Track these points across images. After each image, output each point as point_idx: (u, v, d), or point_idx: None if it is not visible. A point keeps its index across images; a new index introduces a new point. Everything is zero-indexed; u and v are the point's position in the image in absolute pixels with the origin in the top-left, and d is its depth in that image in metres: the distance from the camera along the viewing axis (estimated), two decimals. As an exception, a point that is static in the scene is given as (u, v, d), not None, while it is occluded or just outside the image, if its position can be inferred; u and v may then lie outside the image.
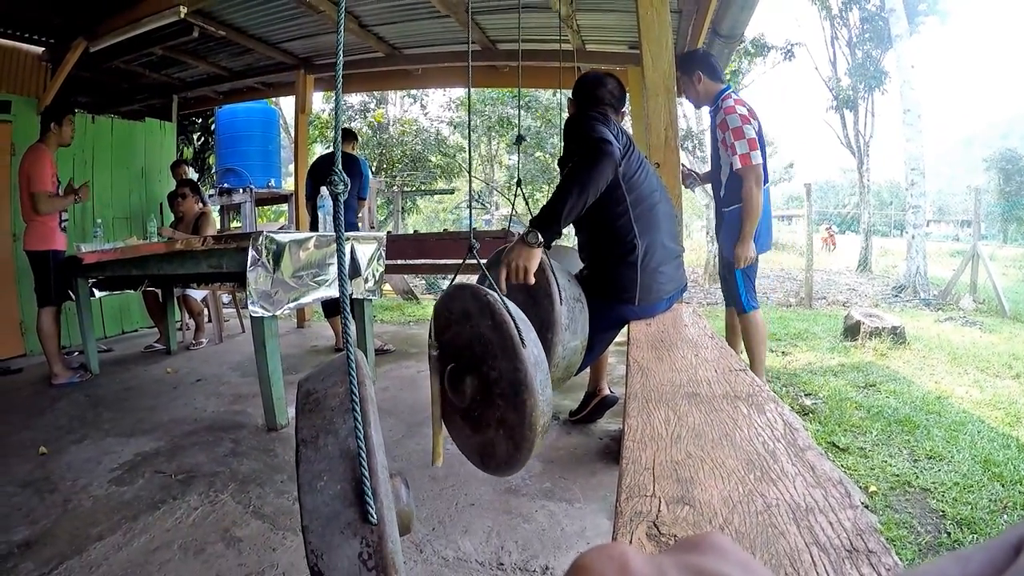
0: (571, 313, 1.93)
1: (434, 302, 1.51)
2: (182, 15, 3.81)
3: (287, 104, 9.68)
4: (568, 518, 1.99)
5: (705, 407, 1.06)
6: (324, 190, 4.07)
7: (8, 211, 4.72)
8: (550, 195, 1.92)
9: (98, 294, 4.39)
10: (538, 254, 1.84)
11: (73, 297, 4.13)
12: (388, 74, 6.27)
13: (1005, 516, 2.07)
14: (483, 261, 1.48)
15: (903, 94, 9.52)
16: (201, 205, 5.14)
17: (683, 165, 3.03)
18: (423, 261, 5.85)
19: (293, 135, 6.83)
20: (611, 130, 2.06)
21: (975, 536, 1.92)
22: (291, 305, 3.01)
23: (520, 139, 2.55)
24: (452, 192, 16.33)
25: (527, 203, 2.61)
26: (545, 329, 1.81)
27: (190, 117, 7.96)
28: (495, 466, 1.38)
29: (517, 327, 1.26)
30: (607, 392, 2.89)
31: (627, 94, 2.46)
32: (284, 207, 9.36)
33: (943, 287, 8.32)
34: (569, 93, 2.53)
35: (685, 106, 3.36)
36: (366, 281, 3.64)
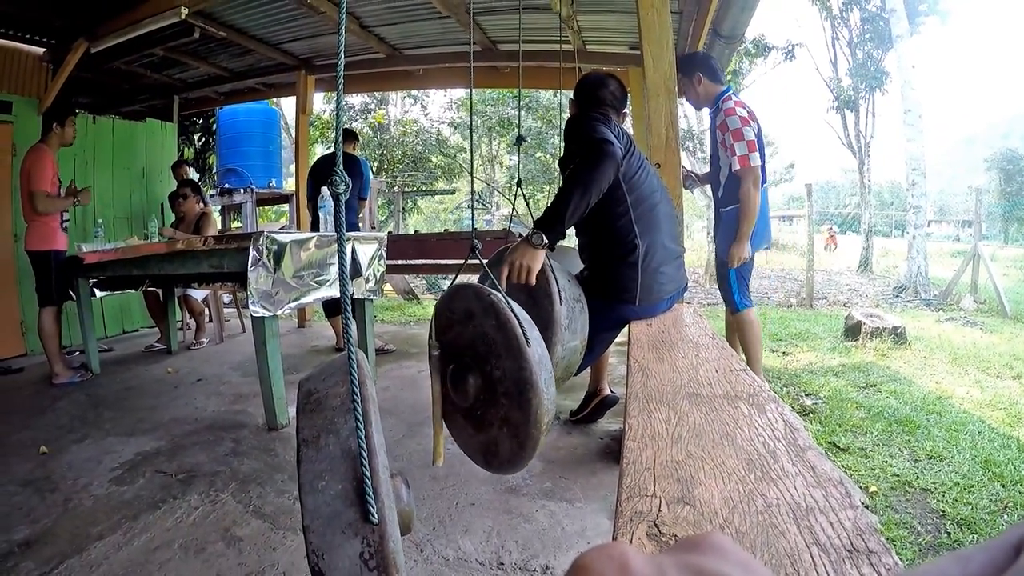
0: (571, 313, 1.93)
1: (435, 302, 1.51)
2: (183, 16, 3.81)
3: (288, 105, 9.68)
4: (568, 518, 1.99)
5: (706, 407, 1.06)
6: (325, 190, 4.08)
7: (9, 211, 4.73)
8: (551, 196, 1.92)
9: (99, 294, 4.39)
10: (541, 255, 1.84)
11: (74, 297, 4.14)
12: (389, 75, 6.27)
13: (1005, 516, 2.07)
14: (485, 261, 1.48)
15: (904, 94, 9.52)
16: (202, 205, 5.15)
17: (682, 166, 3.03)
18: (424, 261, 5.85)
19: (294, 136, 6.84)
20: (612, 131, 2.07)
21: (975, 536, 1.92)
22: (292, 305, 3.01)
23: (521, 139, 2.55)
24: (453, 192, 16.34)
25: (528, 203, 2.61)
26: (545, 329, 1.81)
27: (191, 118, 7.96)
28: (498, 464, 1.38)
29: (522, 326, 1.26)
30: (608, 392, 2.89)
31: (628, 95, 2.46)
32: (285, 207, 9.37)
33: (944, 287, 8.31)
34: (570, 94, 2.53)
35: (685, 106, 3.37)
36: (367, 281, 3.64)
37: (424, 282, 9.49)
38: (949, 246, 19.49)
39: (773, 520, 0.64)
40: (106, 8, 4.18)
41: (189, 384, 3.86)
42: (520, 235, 1.90)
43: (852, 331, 5.13)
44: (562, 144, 2.30)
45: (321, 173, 4.45)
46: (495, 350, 1.30)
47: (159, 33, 4.27)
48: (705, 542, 0.24)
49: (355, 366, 0.76)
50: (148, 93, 6.57)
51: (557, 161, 2.40)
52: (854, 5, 12.46)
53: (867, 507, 2.12)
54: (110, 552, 1.82)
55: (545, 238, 1.83)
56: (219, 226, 6.67)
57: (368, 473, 0.69)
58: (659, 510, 0.68)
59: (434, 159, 15.09)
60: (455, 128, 16.19)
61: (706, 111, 3.27)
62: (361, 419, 0.71)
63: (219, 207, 7.03)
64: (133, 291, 4.74)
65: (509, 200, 14.67)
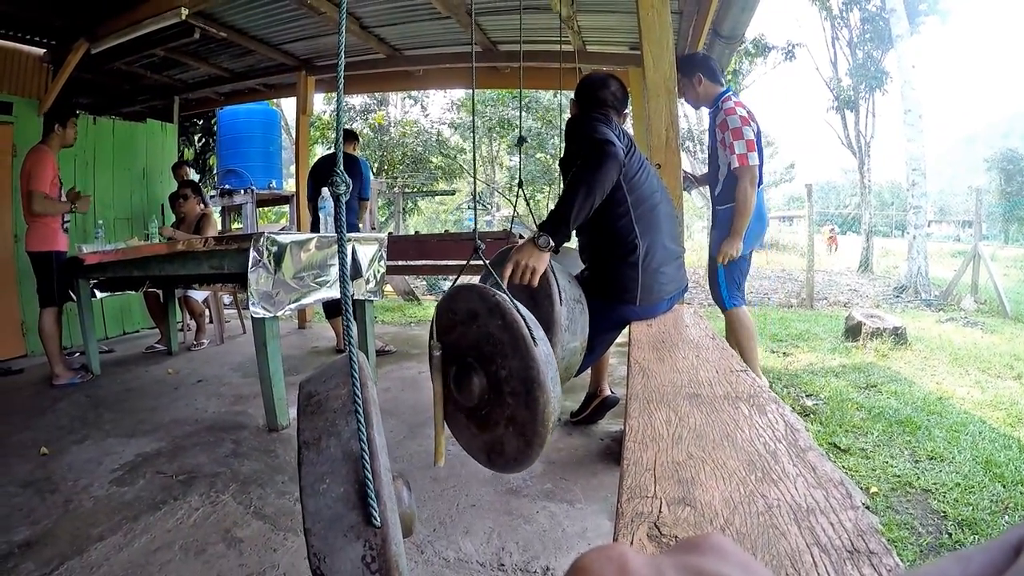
0: (571, 314, 1.93)
1: (435, 303, 1.51)
2: (183, 17, 3.81)
3: (288, 105, 9.68)
4: (569, 519, 1.99)
5: (706, 408, 1.06)
6: (325, 191, 4.08)
7: (9, 212, 4.73)
8: (551, 196, 1.92)
9: (99, 295, 4.40)
10: (547, 258, 1.84)
11: (74, 298, 4.14)
12: (389, 75, 6.28)
13: (1006, 517, 2.07)
14: (488, 261, 1.48)
15: (904, 94, 9.52)
16: (203, 206, 5.15)
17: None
18: (424, 262, 5.85)
19: (294, 136, 6.84)
20: (613, 131, 2.07)
21: (976, 537, 1.92)
22: (292, 306, 3.01)
23: (522, 140, 2.55)
24: (453, 193, 16.35)
25: (528, 204, 2.61)
26: (545, 330, 1.81)
27: (191, 118, 7.97)
28: (504, 463, 1.38)
29: (528, 326, 1.27)
30: (608, 393, 2.89)
31: (629, 95, 2.46)
32: (285, 208, 9.36)
33: (944, 288, 8.31)
34: (570, 94, 2.54)
35: (685, 107, 3.37)
36: (367, 282, 3.64)
37: (424, 283, 9.49)
38: (949, 246, 19.49)
39: (774, 521, 0.64)
40: (106, 8, 4.18)
41: (189, 385, 3.86)
42: (521, 236, 1.91)
43: (852, 332, 5.13)
44: (562, 145, 2.30)
45: (321, 174, 4.45)
46: (501, 350, 1.30)
47: (159, 34, 4.27)
48: (705, 543, 0.24)
49: (356, 368, 0.76)
50: (148, 94, 6.57)
51: (558, 162, 2.40)
52: (854, 5, 12.48)
53: (868, 508, 2.12)
54: (110, 553, 1.82)
55: (552, 241, 1.83)
56: (219, 227, 6.67)
57: (370, 476, 0.68)
58: (660, 511, 0.68)
59: (434, 160, 15.11)
60: (455, 129, 16.21)
61: (706, 112, 3.28)
62: (363, 421, 0.71)
63: (219, 208, 7.02)
64: (133, 292, 4.74)
65: (509, 201, 14.69)
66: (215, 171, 7.79)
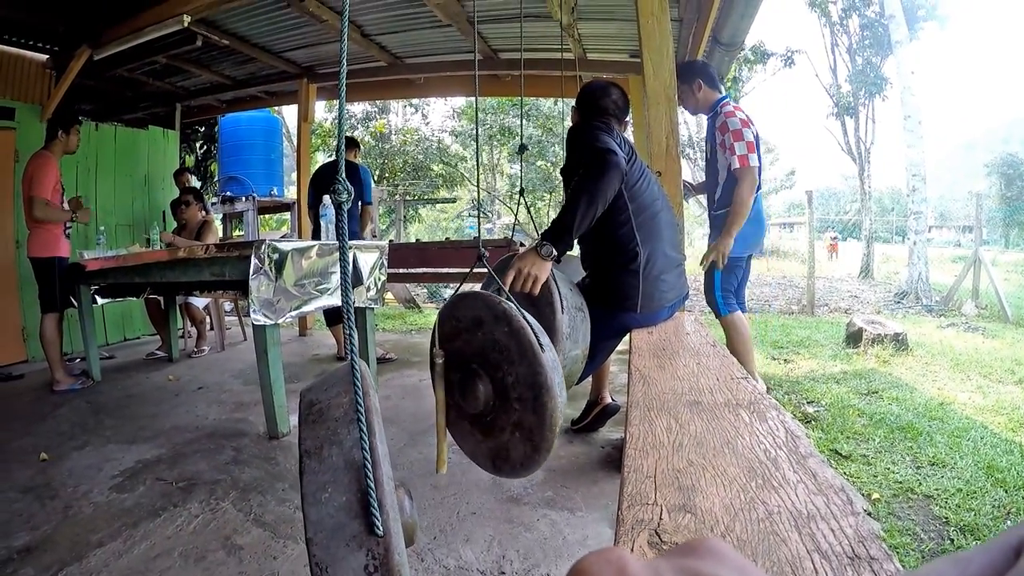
0: (573, 322, 1.94)
1: (436, 311, 1.52)
2: (186, 24, 3.83)
3: (290, 113, 9.73)
4: (570, 527, 1.99)
5: (707, 415, 1.06)
6: (326, 199, 4.09)
7: (11, 217, 4.74)
8: (552, 204, 1.93)
9: (100, 301, 4.40)
10: (548, 266, 1.84)
11: (76, 304, 4.14)
12: (390, 83, 6.30)
13: (1008, 522, 2.06)
14: (491, 267, 1.49)
15: (903, 100, 9.55)
16: (204, 213, 5.16)
17: None
18: (425, 270, 5.85)
19: (296, 144, 6.86)
20: (614, 139, 2.07)
21: (978, 543, 1.91)
22: (293, 313, 3.01)
23: (523, 148, 2.56)
24: (454, 201, 16.40)
25: (529, 212, 2.62)
26: (547, 337, 1.82)
27: (193, 125, 8.00)
28: (510, 468, 1.39)
29: (534, 332, 1.29)
30: (609, 401, 2.88)
31: (630, 103, 2.47)
32: (286, 215, 9.37)
33: (945, 293, 8.31)
34: (571, 102, 2.55)
35: (685, 114, 3.38)
36: (368, 290, 3.64)
37: (425, 291, 9.49)
38: (950, 251, 19.50)
39: (775, 528, 0.64)
40: (109, 15, 4.21)
41: (190, 392, 3.86)
42: (522, 244, 1.91)
43: (853, 338, 5.13)
44: (563, 153, 2.31)
45: (322, 181, 4.46)
46: (508, 356, 1.31)
47: (162, 41, 4.30)
48: (702, 547, 0.24)
49: (358, 376, 0.75)
50: (150, 100, 6.60)
51: (559, 170, 2.41)
52: (853, 11, 12.53)
53: (870, 514, 2.11)
54: (110, 560, 1.82)
55: (554, 250, 1.83)
56: (220, 234, 6.68)
57: (373, 484, 0.68)
58: (660, 518, 0.68)
59: (435, 168, 15.15)
60: (456, 137, 16.26)
61: (706, 119, 3.30)
62: (365, 430, 0.71)
63: (221, 215, 7.04)
64: (134, 298, 4.74)
65: (510, 208, 14.72)
66: (216, 178, 7.82)
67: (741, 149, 2.88)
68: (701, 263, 3.07)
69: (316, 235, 4.47)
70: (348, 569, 0.66)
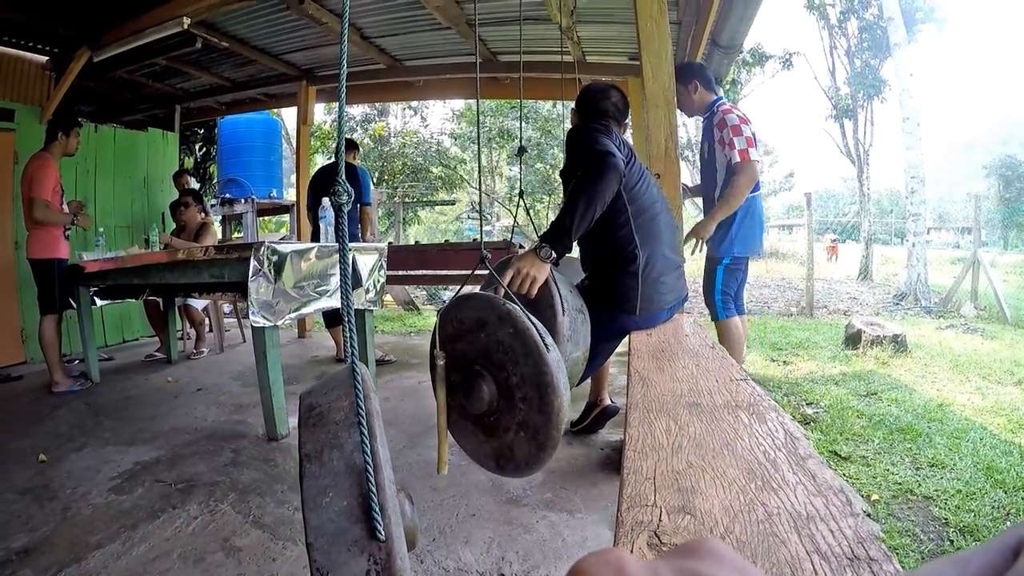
0: (573, 324, 1.94)
1: (436, 313, 1.51)
2: (185, 26, 3.84)
3: (289, 115, 9.73)
4: (569, 528, 1.99)
5: (706, 417, 1.06)
6: (325, 201, 4.09)
7: (11, 218, 4.74)
8: (551, 206, 1.93)
9: (99, 303, 4.40)
10: (547, 268, 1.84)
11: (74, 305, 4.13)
12: (389, 86, 6.31)
13: (1008, 523, 2.06)
14: (493, 268, 1.49)
15: (902, 102, 9.57)
16: (203, 215, 5.16)
17: None
18: (424, 272, 5.85)
19: (295, 146, 6.86)
20: (613, 141, 2.08)
21: (978, 544, 1.91)
22: (292, 315, 3.01)
23: (522, 150, 2.56)
24: (453, 203, 16.40)
25: (528, 214, 2.62)
26: (547, 339, 1.82)
27: (192, 127, 8.00)
28: (514, 468, 1.40)
29: (539, 332, 1.29)
30: (608, 402, 2.88)
31: (629, 106, 2.47)
32: (285, 218, 9.38)
33: (944, 295, 8.32)
34: (570, 104, 2.55)
35: (684, 116, 3.37)
36: (367, 292, 3.64)
37: (424, 293, 9.49)
38: (949, 253, 19.52)
39: (774, 529, 0.64)
40: (109, 17, 4.21)
41: (189, 394, 3.85)
42: (521, 246, 1.91)
43: (852, 339, 5.13)
44: (562, 155, 2.31)
45: (322, 183, 4.46)
46: (513, 357, 1.32)
47: (162, 43, 4.30)
48: (701, 548, 0.24)
49: (359, 379, 0.75)
50: (150, 102, 6.60)
51: (558, 172, 2.41)
52: (851, 14, 12.55)
53: (869, 515, 2.11)
54: (109, 561, 1.82)
55: (553, 252, 1.83)
56: (220, 236, 6.68)
57: (374, 488, 0.67)
58: (660, 520, 0.68)
59: (434, 170, 15.16)
60: (455, 139, 16.27)
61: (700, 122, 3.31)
62: (366, 433, 0.71)
63: (220, 217, 7.04)
64: (133, 300, 4.74)
65: (509, 211, 14.73)
66: (216, 180, 7.82)
67: (741, 144, 2.89)
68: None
69: (315, 237, 4.47)
70: (350, 575, 0.65)
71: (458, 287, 1.60)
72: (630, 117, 2.59)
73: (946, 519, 2.09)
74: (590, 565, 0.22)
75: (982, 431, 2.98)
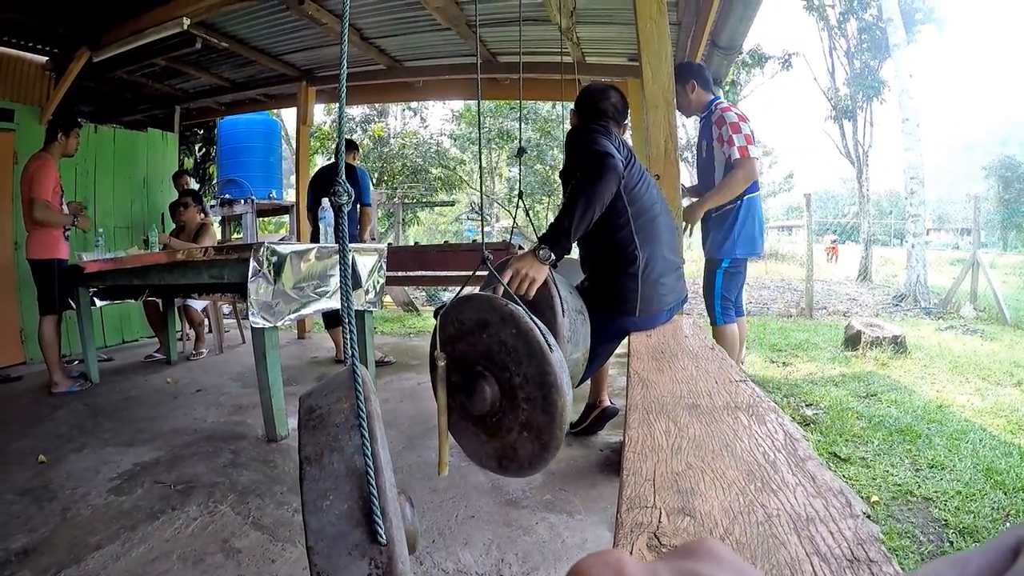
0: (573, 325, 1.94)
1: (435, 314, 1.51)
2: (185, 26, 3.84)
3: (289, 115, 9.73)
4: (569, 530, 1.99)
5: (706, 418, 1.06)
6: (325, 201, 4.09)
7: (10, 219, 4.74)
8: (550, 207, 1.92)
9: (99, 303, 4.39)
10: (546, 270, 1.84)
11: (74, 306, 4.13)
12: (389, 86, 6.31)
13: (1008, 524, 2.06)
14: (495, 270, 1.50)
15: (901, 103, 9.57)
16: (203, 216, 5.16)
17: None
18: (424, 273, 5.84)
19: (294, 146, 6.86)
20: (613, 142, 2.08)
21: (978, 545, 1.91)
22: (292, 316, 3.01)
23: (522, 151, 2.56)
24: (452, 204, 16.39)
25: (528, 215, 2.62)
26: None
27: (192, 128, 8.00)
28: (517, 468, 1.40)
29: (542, 333, 1.30)
30: (608, 404, 2.88)
31: (629, 106, 2.47)
32: (285, 218, 9.39)
33: (943, 296, 8.32)
34: (570, 105, 2.55)
35: (684, 117, 3.37)
36: (367, 293, 3.64)
37: (424, 294, 9.49)
38: (948, 254, 19.51)
39: (774, 530, 0.64)
40: (109, 18, 4.21)
41: (188, 394, 3.85)
42: (520, 247, 1.91)
43: (852, 341, 5.13)
44: (562, 156, 2.31)
45: (321, 184, 4.46)
46: (516, 357, 1.33)
47: (161, 43, 4.30)
48: (701, 548, 0.24)
49: (359, 381, 0.75)
50: (150, 103, 6.60)
51: (558, 173, 2.41)
52: (851, 15, 12.56)
53: (869, 517, 2.11)
54: (108, 562, 1.82)
55: (552, 254, 1.83)
56: (219, 237, 6.68)
57: (375, 492, 0.67)
58: (659, 521, 0.68)
59: (433, 171, 15.16)
60: (455, 140, 16.28)
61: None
62: (367, 435, 0.70)
63: (219, 217, 7.04)
64: (133, 301, 4.74)
65: (508, 212, 14.74)
66: (215, 181, 7.82)
67: (740, 141, 2.90)
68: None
69: (315, 238, 4.47)
70: None
71: (458, 288, 1.60)
72: (629, 118, 2.59)
73: (946, 520, 2.09)
74: (589, 567, 0.22)
75: (982, 432, 2.98)
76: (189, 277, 3.22)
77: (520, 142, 2.97)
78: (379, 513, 0.66)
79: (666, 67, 2.60)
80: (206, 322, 5.33)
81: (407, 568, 0.68)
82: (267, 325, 2.81)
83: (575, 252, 2.41)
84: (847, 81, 12.79)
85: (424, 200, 15.24)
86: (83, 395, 3.85)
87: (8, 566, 1.80)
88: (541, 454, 1.33)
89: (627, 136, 2.76)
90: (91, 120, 5.75)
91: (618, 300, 2.16)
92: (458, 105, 16.08)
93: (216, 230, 6.08)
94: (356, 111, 14.25)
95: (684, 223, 2.99)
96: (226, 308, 6.01)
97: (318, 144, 12.81)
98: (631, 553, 0.62)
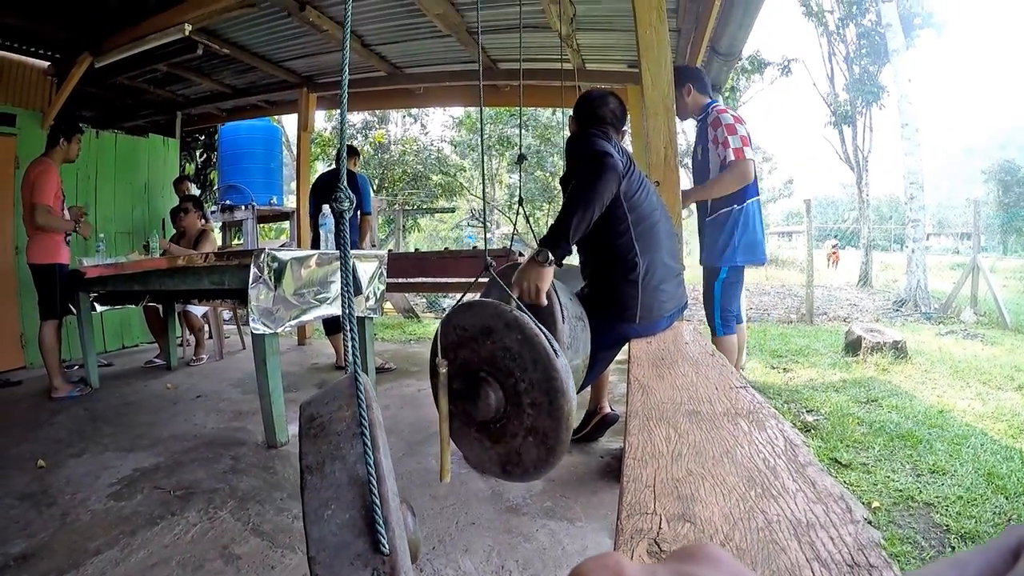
0: (573, 332, 1.94)
1: (437, 320, 1.52)
2: (187, 33, 3.86)
3: (289, 122, 9.76)
4: (569, 537, 1.98)
5: (706, 424, 1.06)
6: (326, 208, 4.09)
7: (11, 223, 4.75)
8: (551, 214, 1.92)
9: (99, 308, 4.40)
10: (549, 273, 1.83)
11: (74, 311, 4.14)
12: (390, 93, 6.33)
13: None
14: (497, 274, 1.50)
15: (901, 108, 9.59)
16: (203, 222, 5.17)
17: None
18: (424, 280, 5.85)
19: (295, 153, 6.88)
20: (612, 147, 2.08)
21: (977, 546, 1.90)
22: (292, 323, 3.01)
23: (522, 158, 2.57)
24: (453, 210, 16.41)
25: (528, 221, 2.62)
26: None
27: (193, 134, 8.02)
28: (521, 472, 1.41)
29: (547, 339, 1.31)
30: (608, 410, 2.87)
31: (627, 112, 2.48)
32: (286, 224, 9.40)
33: (944, 300, 8.32)
34: (570, 111, 2.55)
35: (684, 124, 3.38)
36: (367, 299, 3.64)
37: (424, 300, 9.49)
38: (948, 259, 19.50)
39: (774, 536, 0.64)
40: (111, 23, 4.23)
41: (188, 400, 3.85)
42: (521, 253, 1.91)
43: (852, 346, 5.13)
44: (562, 162, 2.31)
45: (323, 190, 4.46)
46: (521, 363, 1.34)
47: (163, 49, 4.32)
48: (699, 552, 0.24)
49: (362, 389, 0.74)
50: (151, 108, 6.63)
51: (558, 179, 2.41)
52: (850, 21, 12.61)
53: (870, 523, 2.11)
54: (107, 568, 1.81)
55: (552, 256, 1.83)
56: (219, 243, 6.68)
57: (378, 501, 0.66)
58: (659, 527, 0.68)
59: (434, 177, 15.19)
60: (455, 147, 16.31)
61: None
62: (369, 444, 0.70)
63: (220, 223, 7.05)
64: (133, 306, 4.75)
65: (508, 218, 14.76)
66: (216, 187, 7.83)
67: (736, 143, 2.89)
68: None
69: (315, 244, 4.47)
70: None
71: (458, 294, 1.61)
72: (629, 124, 2.59)
73: (947, 526, 2.08)
74: (589, 570, 0.22)
75: (983, 437, 2.98)
76: (190, 283, 3.22)
77: (520, 149, 2.98)
78: (382, 523, 0.65)
79: (666, 74, 2.60)
80: (206, 328, 5.33)
81: None
82: (267, 331, 2.81)
83: (575, 259, 2.42)
84: (846, 86, 12.83)
85: (424, 207, 15.26)
86: (83, 400, 3.85)
87: (7, 571, 1.80)
88: (547, 458, 1.34)
89: (627, 143, 2.76)
90: (92, 125, 5.77)
91: (618, 307, 2.16)
92: (458, 112, 16.15)
93: (217, 236, 6.08)
94: (357, 117, 14.29)
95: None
96: (226, 314, 6.01)
97: (319, 150, 12.85)
98: (631, 559, 0.62)
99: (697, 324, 2.61)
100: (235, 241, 7.72)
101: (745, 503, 0.73)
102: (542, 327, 1.35)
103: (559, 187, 2.36)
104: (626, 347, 2.17)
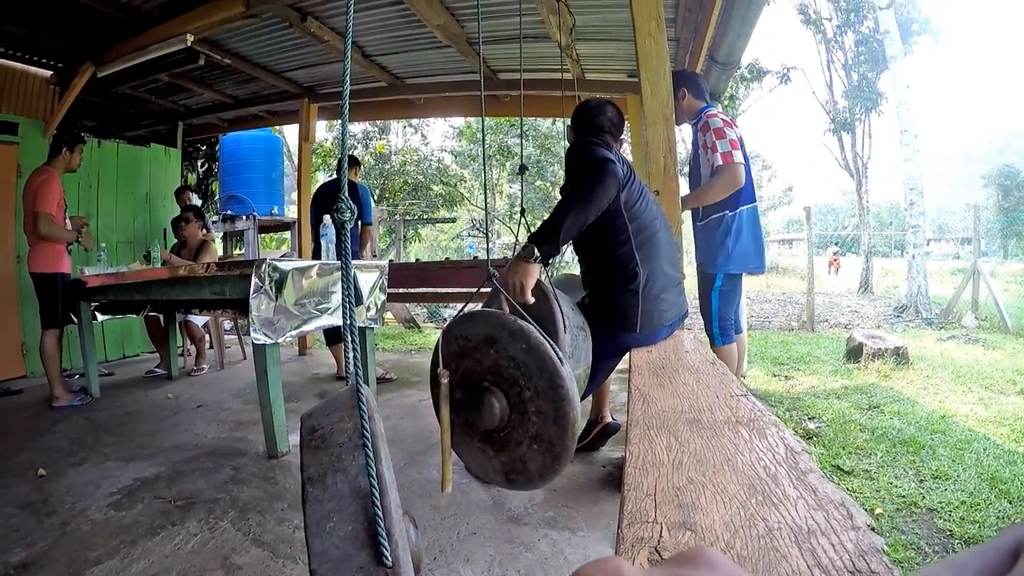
0: (575, 341, 1.94)
1: (438, 330, 1.52)
2: (189, 43, 3.89)
3: (291, 132, 9.78)
4: (571, 547, 1.97)
5: (707, 433, 1.06)
6: (327, 218, 4.10)
7: (13, 232, 4.76)
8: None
9: (100, 318, 4.40)
10: (535, 270, 1.82)
11: (75, 320, 4.14)
12: (390, 103, 6.37)
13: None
14: (497, 285, 1.51)
15: (900, 115, 9.62)
16: (204, 232, 5.18)
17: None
18: (425, 290, 5.84)
19: (296, 163, 6.90)
20: (612, 156, 2.09)
21: (976, 546, 1.89)
22: (293, 333, 3.01)
23: (524, 168, 2.57)
24: (454, 221, 16.42)
25: (529, 231, 2.62)
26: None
27: (195, 144, 8.06)
28: (525, 480, 1.42)
29: (552, 347, 1.32)
30: (609, 420, 2.87)
31: (626, 121, 2.48)
32: (287, 234, 9.41)
33: (945, 306, 8.31)
34: (569, 121, 2.56)
35: (683, 132, 3.41)
36: (368, 309, 3.65)
37: (425, 311, 9.48)
38: (949, 264, 19.50)
39: (775, 544, 0.64)
40: (113, 33, 4.27)
41: (189, 410, 3.84)
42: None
43: (854, 353, 5.12)
44: (562, 172, 2.32)
45: (324, 200, 4.48)
46: (526, 372, 1.34)
47: (165, 59, 4.35)
48: (699, 557, 0.25)
49: (363, 400, 0.74)
50: (153, 118, 6.66)
51: (559, 189, 2.42)
52: (848, 28, 12.67)
53: (873, 529, 2.10)
54: (108, 580, 1.81)
55: (536, 251, 1.81)
56: (220, 253, 6.70)
57: (380, 513, 0.66)
58: (660, 536, 0.68)
59: (435, 187, 15.22)
60: (456, 157, 16.36)
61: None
62: (371, 455, 0.69)
63: (221, 233, 7.06)
64: (134, 316, 4.75)
65: (509, 228, 14.78)
66: (217, 197, 7.85)
67: (724, 147, 2.86)
68: None
69: (316, 254, 4.48)
70: None
71: (460, 304, 1.61)
72: (628, 134, 2.60)
73: (951, 531, 2.08)
74: (589, 574, 0.23)
75: (985, 442, 2.97)
76: (191, 292, 3.23)
77: (522, 159, 2.98)
78: (384, 535, 0.65)
79: (665, 83, 2.62)
80: (207, 338, 5.33)
81: None
82: (268, 341, 2.81)
83: (576, 268, 2.42)
84: (845, 94, 12.87)
85: (425, 217, 15.28)
86: (83, 409, 3.85)
87: (8, 582, 1.80)
88: (552, 466, 1.35)
89: (626, 152, 2.77)
90: (94, 135, 5.81)
91: (619, 316, 2.16)
92: (459, 122, 16.19)
93: (218, 246, 6.10)
94: (357, 128, 14.32)
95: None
96: (227, 324, 6.01)
97: (320, 160, 12.88)
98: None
99: (698, 333, 2.61)
100: (236, 251, 7.74)
101: (746, 511, 0.73)
102: (546, 336, 1.35)
103: (560, 197, 2.37)
104: (627, 356, 2.17)
